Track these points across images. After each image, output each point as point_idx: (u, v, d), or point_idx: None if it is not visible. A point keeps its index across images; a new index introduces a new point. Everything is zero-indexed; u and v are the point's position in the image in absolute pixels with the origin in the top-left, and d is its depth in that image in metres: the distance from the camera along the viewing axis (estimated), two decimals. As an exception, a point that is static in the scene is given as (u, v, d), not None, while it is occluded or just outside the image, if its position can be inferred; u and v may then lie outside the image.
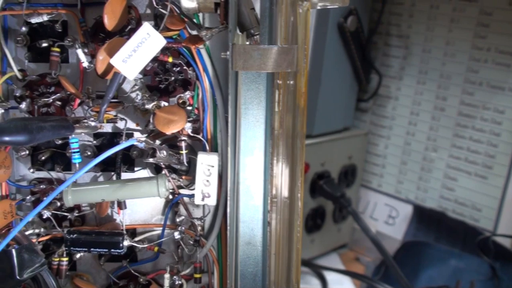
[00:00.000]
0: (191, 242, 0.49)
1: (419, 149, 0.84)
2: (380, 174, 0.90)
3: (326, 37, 0.78)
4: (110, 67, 0.44)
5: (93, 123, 0.44)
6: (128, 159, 0.49)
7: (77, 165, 0.47)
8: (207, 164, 0.46)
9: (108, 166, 0.50)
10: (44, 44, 0.47)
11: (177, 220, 0.49)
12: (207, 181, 0.46)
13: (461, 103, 0.80)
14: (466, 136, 0.79)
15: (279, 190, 0.45)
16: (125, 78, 0.45)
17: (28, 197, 0.49)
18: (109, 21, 0.44)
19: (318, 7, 0.43)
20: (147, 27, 0.42)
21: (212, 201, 0.46)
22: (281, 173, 0.45)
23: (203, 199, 0.46)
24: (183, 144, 0.47)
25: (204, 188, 0.46)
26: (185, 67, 0.47)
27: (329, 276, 0.78)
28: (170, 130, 0.45)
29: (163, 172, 0.48)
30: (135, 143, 0.44)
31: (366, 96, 0.90)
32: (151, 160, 0.46)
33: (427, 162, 0.84)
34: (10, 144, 0.44)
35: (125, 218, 0.50)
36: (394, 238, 0.86)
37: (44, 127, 0.38)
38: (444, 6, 0.80)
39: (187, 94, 0.47)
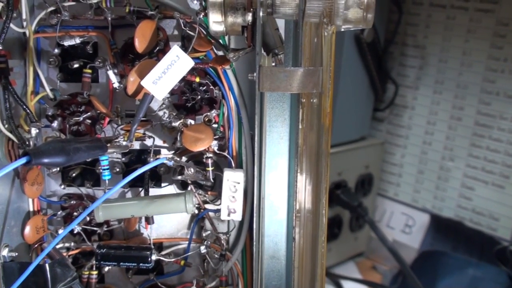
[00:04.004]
0: (217, 256, 0.50)
1: (436, 158, 0.85)
2: (396, 183, 0.91)
3: (343, 48, 0.79)
4: (140, 87, 0.45)
5: (124, 143, 0.45)
6: (156, 175, 0.51)
7: (107, 181, 0.48)
8: (233, 180, 0.47)
9: (135, 182, 0.51)
10: (76, 65, 0.49)
11: (203, 234, 0.51)
12: (233, 197, 0.47)
13: (478, 113, 0.80)
14: (483, 145, 0.80)
15: (303, 205, 0.46)
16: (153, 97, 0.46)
17: (59, 212, 0.51)
18: (140, 44, 0.45)
19: (342, 29, 0.44)
20: (176, 50, 0.44)
21: (237, 217, 0.48)
22: (305, 189, 0.46)
23: (229, 215, 0.47)
24: (209, 161, 0.48)
25: (230, 204, 0.47)
26: (211, 87, 0.49)
27: (347, 285, 0.79)
28: (197, 148, 0.47)
29: (190, 188, 0.49)
30: (165, 161, 0.45)
31: (383, 105, 0.91)
32: (179, 177, 0.47)
33: (444, 172, 0.84)
34: (49, 166, 0.46)
35: (152, 232, 0.51)
36: (411, 247, 0.87)
37: (80, 148, 0.40)
38: (460, 17, 0.81)
39: (213, 112, 0.49)
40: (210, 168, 0.48)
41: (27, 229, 0.49)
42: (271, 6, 0.42)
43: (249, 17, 0.43)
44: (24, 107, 0.46)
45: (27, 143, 0.46)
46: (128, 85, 0.45)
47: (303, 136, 0.46)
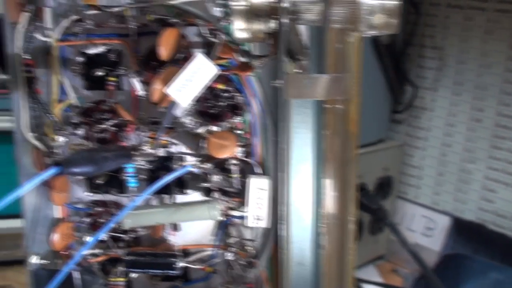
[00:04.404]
0: (243, 263, 0.50)
1: (456, 160, 0.84)
2: (416, 185, 0.90)
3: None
4: (164, 95, 0.45)
5: (150, 150, 0.45)
6: (180, 182, 0.51)
7: (134, 188, 0.49)
8: (258, 187, 0.47)
9: (160, 188, 0.51)
10: (99, 73, 0.49)
11: (229, 241, 0.51)
12: (259, 204, 0.47)
13: (498, 114, 0.79)
14: (504, 147, 0.79)
15: (330, 212, 0.46)
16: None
17: (85, 219, 0.51)
18: (164, 52, 0.45)
19: (367, 35, 0.44)
20: (200, 58, 0.44)
21: (264, 224, 0.48)
22: (331, 195, 0.46)
23: (255, 222, 0.48)
24: (234, 168, 0.48)
25: (256, 211, 0.47)
26: (234, 93, 0.49)
27: (368, 288, 0.79)
28: (222, 155, 0.47)
29: (215, 195, 0.49)
30: (190, 169, 0.45)
31: (401, 107, 0.90)
32: (205, 185, 0.47)
33: (464, 174, 0.84)
34: (78, 175, 0.47)
35: (178, 239, 0.51)
36: (432, 249, 0.86)
37: (108, 157, 0.40)
38: (478, 18, 0.80)
39: (237, 119, 0.49)
40: (235, 175, 0.48)
41: (55, 236, 0.49)
42: (295, 13, 0.43)
43: (273, 24, 0.43)
44: (50, 115, 0.46)
45: (54, 151, 0.46)
46: (153, 93, 0.45)
47: (328, 142, 0.46)
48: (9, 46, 0.45)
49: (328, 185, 0.45)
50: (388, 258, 0.90)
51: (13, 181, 0.82)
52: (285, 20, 0.42)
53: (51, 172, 0.37)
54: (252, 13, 0.42)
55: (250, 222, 0.48)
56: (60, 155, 0.46)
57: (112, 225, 0.44)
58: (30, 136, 0.46)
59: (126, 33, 0.48)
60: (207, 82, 0.45)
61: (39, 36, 0.46)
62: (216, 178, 0.47)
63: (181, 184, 0.51)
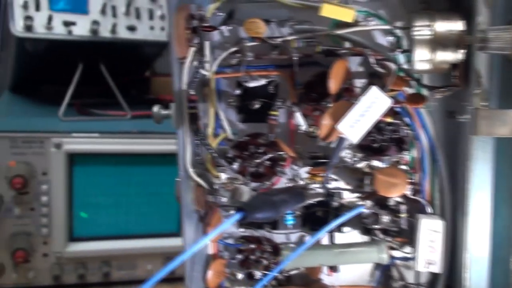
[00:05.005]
0: (409, 309, 0.47)
1: None
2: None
3: None
4: (332, 130, 0.43)
5: (319, 190, 0.43)
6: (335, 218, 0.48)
7: (290, 226, 0.47)
8: (431, 229, 0.44)
9: (314, 225, 0.49)
10: (256, 106, 0.48)
11: (394, 284, 0.47)
12: (432, 247, 0.44)
13: None
14: None
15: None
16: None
17: (237, 256, 0.49)
18: (334, 85, 0.43)
19: None
20: (375, 91, 0.41)
21: (437, 268, 0.44)
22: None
23: (426, 266, 0.44)
24: (402, 207, 0.45)
25: (428, 255, 0.44)
26: (403, 126, 0.45)
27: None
28: (392, 194, 0.44)
29: (377, 234, 0.46)
30: (363, 210, 0.42)
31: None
32: (376, 226, 0.44)
33: None
34: (259, 221, 0.45)
35: (333, 279, 0.49)
36: None
37: (287, 200, 0.38)
38: None
39: (405, 154, 0.45)
40: (403, 215, 0.45)
41: (209, 274, 0.48)
42: (483, 41, 0.39)
43: (460, 54, 0.39)
44: (212, 151, 0.45)
45: (216, 188, 0.45)
46: (322, 129, 0.43)
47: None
48: (176, 82, 0.44)
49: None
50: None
51: (164, 201, 0.86)
52: (476, 50, 0.38)
53: (235, 218, 0.35)
54: (437, 43, 0.39)
55: (421, 266, 0.44)
56: (221, 193, 0.45)
57: (284, 265, 0.41)
58: (192, 173, 0.44)
59: (284, 64, 0.47)
60: (379, 115, 0.42)
61: (202, 71, 0.45)
62: (387, 219, 0.44)
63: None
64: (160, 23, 0.92)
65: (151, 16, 0.92)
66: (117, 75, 0.93)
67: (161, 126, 0.84)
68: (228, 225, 0.35)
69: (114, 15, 0.89)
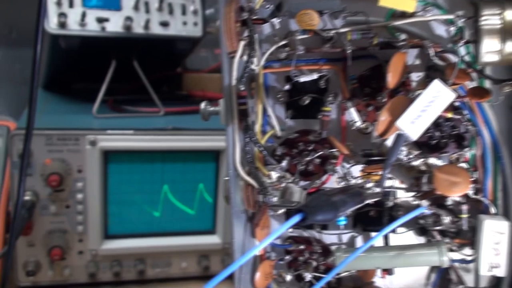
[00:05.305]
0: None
1: None
2: None
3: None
4: (390, 127, 0.41)
5: (376, 189, 0.41)
6: (391, 219, 0.46)
7: (342, 226, 0.45)
8: (495, 230, 0.41)
9: (367, 226, 0.47)
10: (307, 101, 0.46)
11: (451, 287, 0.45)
12: (496, 249, 0.41)
13: None
14: None
15: None
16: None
17: (286, 257, 0.48)
18: (393, 79, 0.41)
19: None
20: (437, 85, 0.39)
21: (501, 272, 0.41)
22: None
23: (490, 270, 0.41)
24: (464, 208, 0.42)
25: (492, 257, 0.41)
26: (463, 122, 0.43)
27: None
28: (454, 193, 0.41)
29: (435, 235, 0.44)
30: (424, 211, 0.40)
31: None
32: (437, 228, 0.42)
33: None
34: (319, 222, 0.43)
35: (386, 282, 0.47)
36: None
37: (345, 201, 0.36)
38: None
39: (465, 151, 0.43)
40: (465, 215, 0.42)
41: (257, 276, 0.46)
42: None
43: (533, 44, 0.37)
44: (262, 148, 0.43)
45: (267, 188, 0.43)
46: (379, 125, 0.41)
47: None
48: (226, 78, 0.43)
49: None
50: None
51: (198, 198, 0.85)
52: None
53: (295, 220, 0.33)
54: (506, 32, 0.37)
55: (484, 270, 0.42)
56: (272, 193, 0.43)
57: (338, 270, 0.40)
58: (242, 172, 0.43)
59: (336, 57, 0.45)
60: (441, 110, 0.39)
61: (251, 65, 0.43)
62: (448, 220, 0.41)
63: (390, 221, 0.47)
64: (193, 19, 0.91)
65: (184, 11, 0.90)
66: (149, 72, 0.92)
67: (195, 123, 0.84)
68: (288, 227, 0.34)
69: (147, 11, 0.88)
